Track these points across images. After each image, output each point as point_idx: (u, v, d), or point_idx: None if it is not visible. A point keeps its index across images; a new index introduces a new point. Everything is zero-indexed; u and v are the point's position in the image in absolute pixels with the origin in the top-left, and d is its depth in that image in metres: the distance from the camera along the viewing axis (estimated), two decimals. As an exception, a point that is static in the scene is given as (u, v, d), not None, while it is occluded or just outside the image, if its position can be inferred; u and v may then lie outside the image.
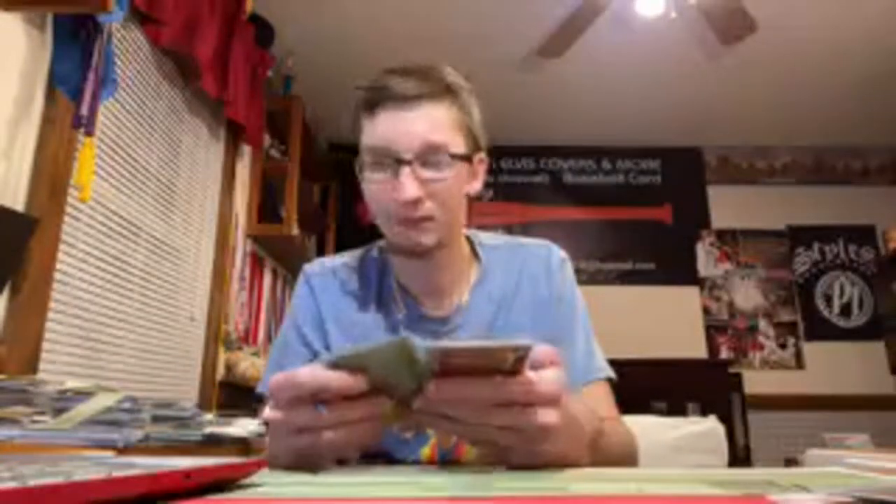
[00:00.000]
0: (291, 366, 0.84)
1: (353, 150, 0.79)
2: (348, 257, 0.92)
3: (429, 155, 0.74)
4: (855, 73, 3.21)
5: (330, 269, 0.90)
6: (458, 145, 0.77)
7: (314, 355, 0.83)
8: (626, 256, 3.84)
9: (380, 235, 0.87)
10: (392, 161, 0.74)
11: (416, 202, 0.74)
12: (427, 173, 0.74)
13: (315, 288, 0.88)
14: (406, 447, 0.80)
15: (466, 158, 0.79)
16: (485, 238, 0.92)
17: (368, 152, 0.76)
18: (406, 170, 0.73)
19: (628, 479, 0.48)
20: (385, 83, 0.76)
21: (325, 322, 0.85)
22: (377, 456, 0.80)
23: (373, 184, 0.77)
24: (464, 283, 0.87)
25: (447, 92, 0.77)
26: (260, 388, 0.86)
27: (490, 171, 3.81)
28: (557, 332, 0.85)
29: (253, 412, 1.77)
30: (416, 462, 0.80)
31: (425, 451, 0.80)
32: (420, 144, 0.74)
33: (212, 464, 0.36)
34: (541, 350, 0.51)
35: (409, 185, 0.73)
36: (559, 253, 0.91)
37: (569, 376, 0.84)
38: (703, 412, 3.00)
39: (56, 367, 1.47)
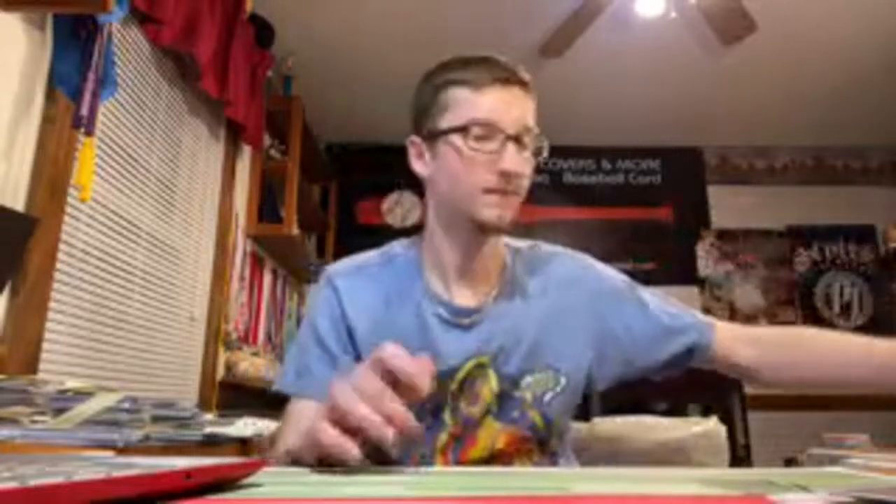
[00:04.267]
0: (309, 368, 0.83)
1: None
2: (373, 256, 0.92)
3: (525, 136, 0.80)
4: (855, 73, 3.20)
5: (355, 268, 0.90)
6: (535, 133, 0.82)
7: (332, 358, 0.83)
8: (626, 256, 3.84)
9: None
10: (498, 134, 0.78)
11: (514, 176, 0.78)
12: (523, 153, 0.80)
13: (340, 289, 0.87)
14: (426, 435, 0.81)
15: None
16: (508, 238, 0.94)
17: (475, 123, 0.79)
18: (511, 144, 0.78)
19: (629, 479, 0.48)
20: (487, 64, 0.80)
21: (350, 323, 0.85)
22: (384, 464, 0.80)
23: (472, 152, 0.79)
24: (494, 275, 0.88)
25: (528, 83, 0.83)
26: (276, 387, 0.85)
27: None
28: (611, 325, 0.88)
29: (254, 412, 1.77)
30: (433, 448, 0.81)
31: (442, 438, 0.81)
32: (522, 124, 0.79)
33: (212, 464, 0.36)
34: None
35: (515, 158, 0.78)
36: (582, 259, 0.95)
37: (695, 342, 0.86)
38: (704, 412, 3.00)
39: (56, 367, 1.47)
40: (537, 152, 0.83)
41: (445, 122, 0.81)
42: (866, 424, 3.13)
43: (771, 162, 4.05)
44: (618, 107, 3.59)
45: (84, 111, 1.38)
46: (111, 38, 1.52)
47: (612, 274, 0.93)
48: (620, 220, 3.94)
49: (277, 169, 2.89)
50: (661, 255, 3.86)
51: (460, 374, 0.81)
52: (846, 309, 3.79)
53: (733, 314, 3.78)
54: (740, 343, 0.86)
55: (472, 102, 0.79)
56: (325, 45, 2.94)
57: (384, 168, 3.87)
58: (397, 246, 0.92)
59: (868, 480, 0.44)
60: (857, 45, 2.97)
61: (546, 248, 0.94)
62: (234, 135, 2.57)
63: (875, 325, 3.71)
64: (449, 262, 0.86)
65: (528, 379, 0.83)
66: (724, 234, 3.92)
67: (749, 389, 3.47)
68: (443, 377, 0.80)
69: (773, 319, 3.77)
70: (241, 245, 2.66)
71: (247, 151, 2.76)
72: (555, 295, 0.88)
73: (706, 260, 3.88)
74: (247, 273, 2.73)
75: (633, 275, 0.96)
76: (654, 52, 3.03)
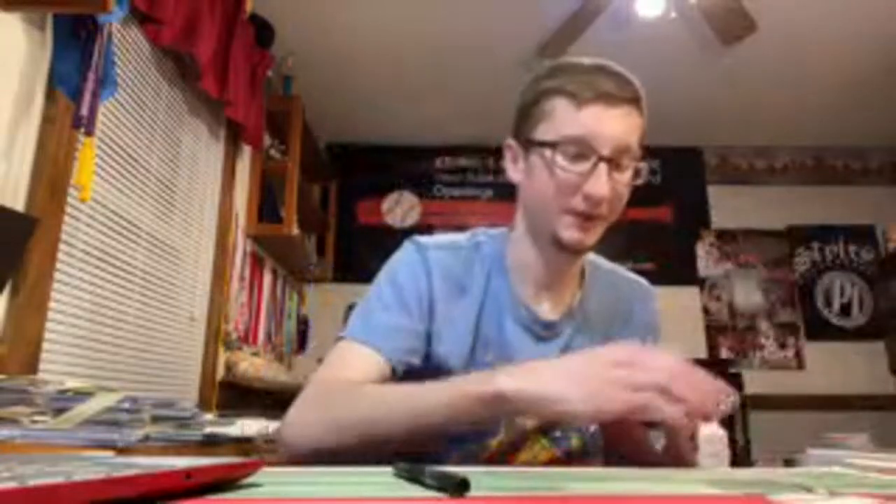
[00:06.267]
0: (383, 322, 0.78)
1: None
2: (461, 238, 0.89)
3: (621, 157, 0.76)
4: (855, 73, 3.20)
5: (448, 244, 0.87)
6: (638, 153, 0.79)
7: (409, 320, 0.80)
8: (626, 256, 3.83)
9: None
10: (591, 155, 0.74)
11: (601, 201, 0.75)
12: (615, 174, 0.76)
13: (430, 260, 0.83)
14: (476, 435, 0.80)
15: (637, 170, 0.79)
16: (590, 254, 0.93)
17: (568, 141, 0.75)
18: (604, 166, 0.74)
19: (629, 478, 0.48)
20: (596, 75, 0.76)
21: (434, 295, 0.82)
22: (453, 441, 0.79)
23: (561, 171, 0.75)
24: (574, 289, 0.89)
25: (638, 99, 0.79)
26: (343, 334, 0.80)
27: (490, 172, 3.81)
28: None
29: (254, 412, 1.77)
30: (479, 453, 0.80)
31: (492, 444, 0.81)
32: (618, 144, 0.75)
33: (212, 464, 0.36)
34: None
35: (604, 182, 0.74)
36: (649, 288, 0.96)
37: None
38: (703, 412, 2.99)
39: (56, 367, 1.47)
40: (636, 174, 0.79)
41: (541, 133, 0.78)
42: (866, 424, 3.13)
43: (771, 162, 4.05)
44: (618, 107, 3.58)
45: (84, 111, 1.38)
46: (111, 38, 1.52)
47: (658, 310, 0.96)
48: (620, 220, 3.91)
49: (277, 169, 2.89)
50: (661, 255, 3.85)
51: None
52: (846, 309, 3.79)
53: (733, 314, 3.78)
54: None
55: (570, 117, 0.75)
56: (325, 45, 2.94)
57: (384, 168, 3.87)
58: (481, 234, 0.90)
59: (868, 480, 0.44)
60: (858, 46, 2.97)
61: (622, 270, 0.96)
62: (234, 135, 2.57)
63: (875, 326, 3.71)
64: (531, 271, 0.85)
65: None
66: (723, 234, 3.91)
67: (749, 389, 3.48)
68: None
69: (773, 319, 3.77)
70: (241, 245, 2.66)
71: (247, 151, 2.76)
72: (622, 323, 0.90)
73: (706, 260, 3.88)
74: (247, 273, 2.73)
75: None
76: (653, 53, 3.02)
